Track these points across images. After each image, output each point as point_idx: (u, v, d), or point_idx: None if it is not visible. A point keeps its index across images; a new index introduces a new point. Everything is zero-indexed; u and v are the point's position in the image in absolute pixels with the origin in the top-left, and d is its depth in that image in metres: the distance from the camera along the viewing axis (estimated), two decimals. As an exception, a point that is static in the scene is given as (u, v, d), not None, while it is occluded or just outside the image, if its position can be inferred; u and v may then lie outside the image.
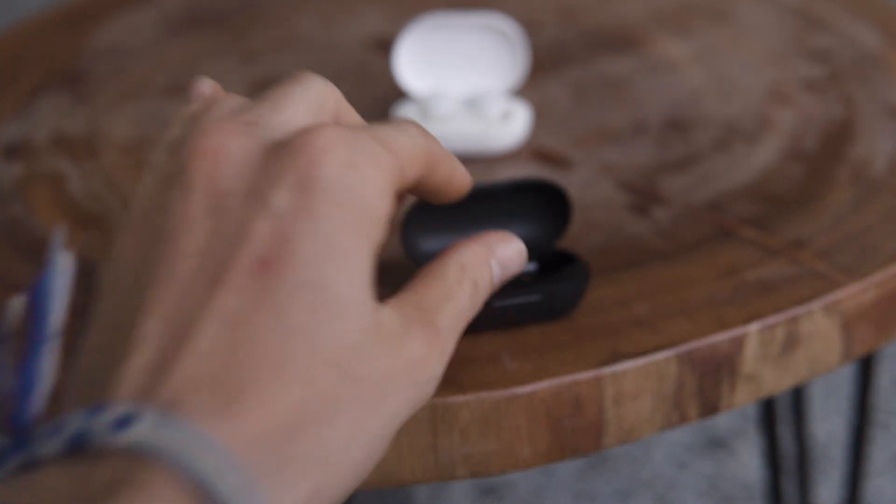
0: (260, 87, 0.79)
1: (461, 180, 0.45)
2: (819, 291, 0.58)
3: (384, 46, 0.82)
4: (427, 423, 0.52)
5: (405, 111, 0.71)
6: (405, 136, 0.41)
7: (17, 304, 0.37)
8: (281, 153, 0.38)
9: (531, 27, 0.84)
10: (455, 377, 0.53)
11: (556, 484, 1.38)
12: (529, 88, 0.77)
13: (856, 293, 0.58)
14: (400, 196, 0.45)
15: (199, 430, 0.33)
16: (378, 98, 0.76)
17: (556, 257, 0.59)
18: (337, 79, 0.79)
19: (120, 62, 0.82)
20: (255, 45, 0.84)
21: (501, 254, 0.46)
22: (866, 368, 0.94)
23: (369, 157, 0.39)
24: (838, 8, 0.86)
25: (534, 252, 0.59)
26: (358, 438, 0.37)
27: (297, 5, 0.90)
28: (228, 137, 0.38)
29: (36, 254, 0.63)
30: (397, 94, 0.75)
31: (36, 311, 0.37)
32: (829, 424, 1.43)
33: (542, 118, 0.74)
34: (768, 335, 0.56)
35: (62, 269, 0.38)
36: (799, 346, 0.57)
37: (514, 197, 0.59)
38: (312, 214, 0.37)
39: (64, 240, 0.38)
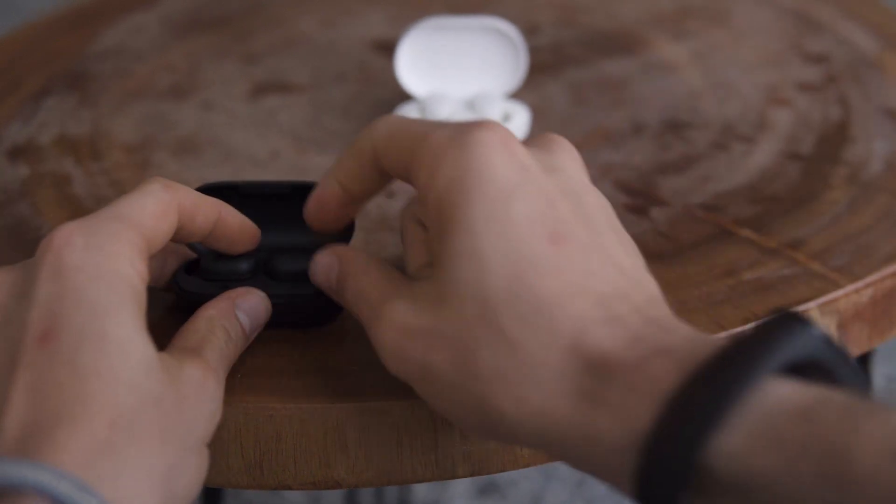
0: (262, 88, 0.79)
1: (235, 228, 0.55)
2: (815, 291, 0.58)
3: (385, 48, 0.83)
4: (427, 421, 0.52)
5: (406, 112, 0.72)
6: (146, 198, 0.51)
7: None
8: (36, 259, 0.48)
9: (530, 29, 0.85)
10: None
11: (556, 482, 1.39)
12: (528, 90, 0.77)
13: (851, 293, 0.59)
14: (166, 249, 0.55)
15: (34, 462, 0.42)
16: (379, 100, 0.77)
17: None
18: (338, 80, 0.80)
19: (123, 64, 0.83)
20: (258, 46, 0.85)
21: (244, 304, 0.54)
22: (862, 367, 0.95)
23: (107, 236, 0.48)
24: (834, 10, 0.86)
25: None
26: (171, 444, 0.46)
27: (299, 7, 0.90)
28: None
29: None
30: (398, 95, 0.75)
31: None
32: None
33: (540, 119, 0.74)
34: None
35: None
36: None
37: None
38: (70, 290, 0.46)
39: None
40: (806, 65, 0.80)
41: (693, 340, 0.44)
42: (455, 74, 0.73)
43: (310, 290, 0.56)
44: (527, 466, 0.54)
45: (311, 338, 0.56)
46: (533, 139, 0.52)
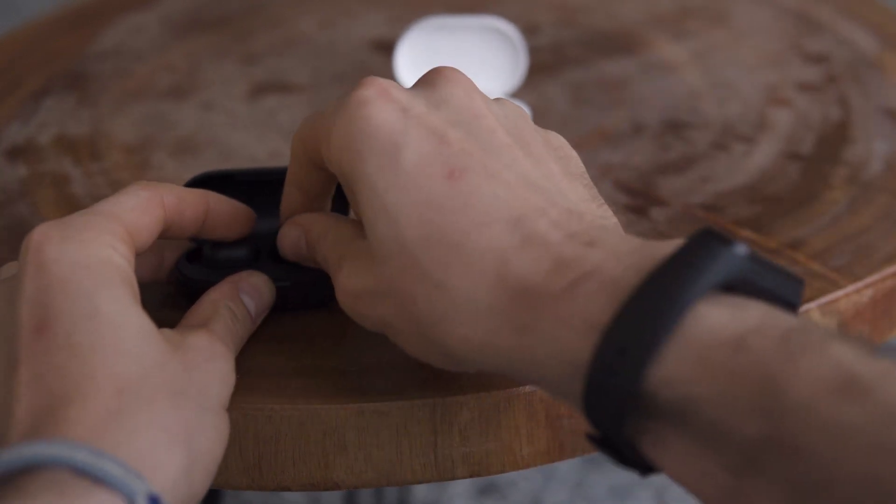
0: (261, 88, 0.79)
1: (227, 215, 0.56)
2: (816, 292, 0.58)
3: (385, 48, 0.83)
4: (427, 422, 0.52)
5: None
6: (124, 195, 0.52)
7: None
8: (19, 260, 0.49)
9: (530, 29, 0.84)
10: (455, 377, 0.53)
11: (555, 482, 1.39)
12: (528, 90, 0.77)
13: (852, 293, 0.59)
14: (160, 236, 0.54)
15: (48, 440, 0.43)
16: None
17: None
18: (338, 81, 0.80)
19: (123, 64, 0.83)
20: (257, 46, 0.85)
21: (247, 287, 0.55)
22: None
23: (83, 227, 0.49)
24: (834, 10, 0.86)
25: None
26: (183, 402, 0.46)
27: (298, 7, 0.90)
28: None
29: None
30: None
31: None
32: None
33: (540, 119, 0.74)
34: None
35: None
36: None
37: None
38: (55, 280, 0.47)
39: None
40: (806, 65, 0.80)
41: (618, 257, 0.44)
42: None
43: (314, 271, 0.56)
44: (527, 467, 0.54)
45: (309, 338, 0.56)
46: (421, 77, 0.52)
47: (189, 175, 0.69)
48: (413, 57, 0.73)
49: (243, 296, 0.54)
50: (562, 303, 0.44)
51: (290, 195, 0.56)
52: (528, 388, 0.53)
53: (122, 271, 0.49)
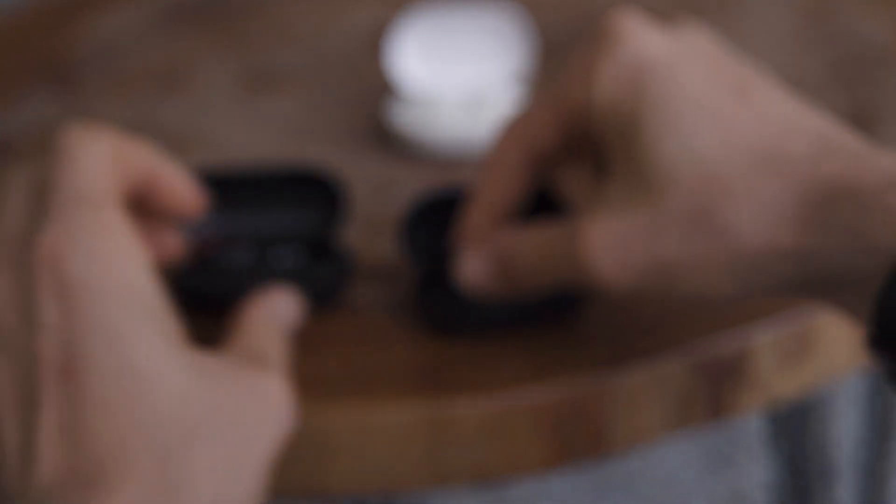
0: (252, 80, 0.79)
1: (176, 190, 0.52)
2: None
3: (380, 39, 0.82)
4: (426, 427, 0.52)
5: (405, 106, 0.71)
6: (84, 160, 0.46)
7: None
8: (28, 269, 0.44)
9: (535, 20, 0.83)
10: (456, 381, 0.53)
11: (555, 482, 1.39)
12: (535, 75, 0.75)
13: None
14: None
15: None
16: (376, 93, 0.76)
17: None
18: (331, 72, 0.79)
19: (111, 58, 0.82)
20: (251, 40, 0.85)
21: (282, 301, 0.53)
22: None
23: (94, 235, 0.45)
24: (848, 1, 0.86)
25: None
26: (230, 476, 0.44)
27: (294, 1, 0.90)
28: None
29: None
30: (393, 87, 0.74)
31: None
32: (844, 431, 1.43)
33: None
34: (779, 339, 0.56)
35: None
36: (811, 350, 0.57)
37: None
38: (79, 315, 0.44)
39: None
40: (819, 57, 0.79)
41: None
42: (454, 66, 0.72)
43: (311, 273, 0.56)
44: (529, 474, 0.54)
45: (305, 340, 0.56)
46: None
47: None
48: (409, 47, 0.72)
49: (281, 312, 0.53)
50: (882, 197, 0.44)
51: (479, 215, 0.53)
52: (531, 393, 0.53)
53: (148, 298, 0.46)
